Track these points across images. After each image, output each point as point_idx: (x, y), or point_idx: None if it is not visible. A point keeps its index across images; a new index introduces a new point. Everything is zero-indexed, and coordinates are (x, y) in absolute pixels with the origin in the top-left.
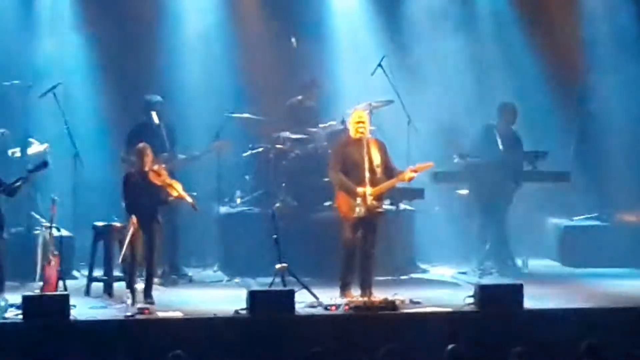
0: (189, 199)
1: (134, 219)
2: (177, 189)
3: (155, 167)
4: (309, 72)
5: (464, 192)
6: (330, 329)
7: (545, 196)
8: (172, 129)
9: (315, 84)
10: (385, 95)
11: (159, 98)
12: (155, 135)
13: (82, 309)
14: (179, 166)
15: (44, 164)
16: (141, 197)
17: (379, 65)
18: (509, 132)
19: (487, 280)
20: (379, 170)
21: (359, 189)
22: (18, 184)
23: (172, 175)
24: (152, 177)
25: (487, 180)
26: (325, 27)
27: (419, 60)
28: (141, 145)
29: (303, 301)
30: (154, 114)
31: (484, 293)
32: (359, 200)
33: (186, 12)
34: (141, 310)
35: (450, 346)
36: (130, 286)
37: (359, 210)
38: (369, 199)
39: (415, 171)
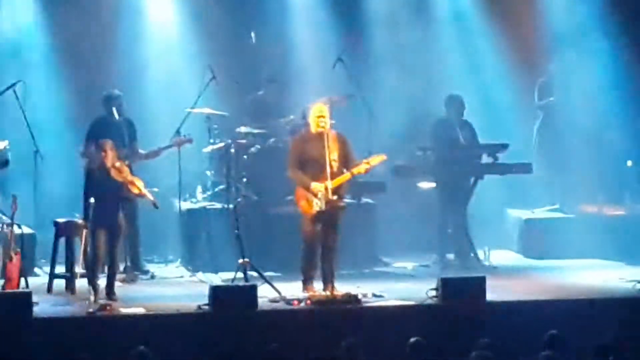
0: (151, 197)
1: (85, 224)
2: (139, 186)
3: (118, 164)
4: (269, 66)
5: (425, 185)
6: (293, 323)
7: (506, 188)
8: (131, 123)
9: (276, 81)
10: (346, 88)
11: (118, 92)
12: (115, 130)
13: (44, 306)
14: (138, 161)
15: (5, 163)
16: (103, 193)
17: (339, 59)
18: (462, 123)
19: (449, 273)
20: (335, 165)
21: (316, 184)
22: None
23: (131, 170)
24: (114, 173)
25: (448, 173)
26: (284, 20)
27: (379, 53)
28: (103, 140)
29: (265, 296)
30: (114, 109)
31: (446, 286)
32: (319, 194)
33: (146, 6)
34: (103, 307)
35: (412, 339)
36: (92, 283)
37: (319, 205)
38: (329, 193)
39: (368, 163)
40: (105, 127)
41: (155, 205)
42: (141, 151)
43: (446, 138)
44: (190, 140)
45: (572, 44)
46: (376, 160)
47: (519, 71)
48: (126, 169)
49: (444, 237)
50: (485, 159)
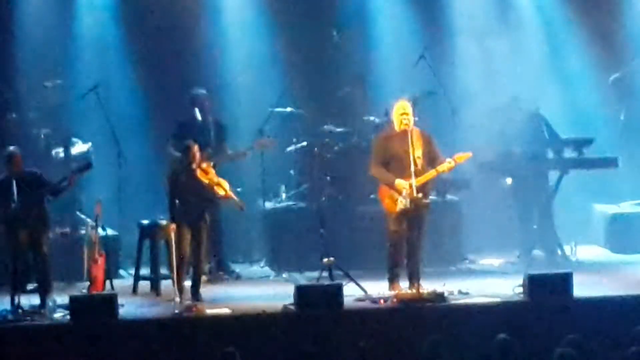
0: (236, 199)
1: (172, 226)
2: (225, 187)
3: (204, 165)
4: (351, 65)
5: (510, 181)
6: (379, 322)
7: (591, 182)
8: (220, 124)
9: (363, 81)
10: (428, 86)
11: (202, 92)
12: (201, 131)
13: (130, 308)
14: (224, 162)
15: (88, 165)
16: (188, 194)
17: (422, 56)
18: (539, 118)
19: (535, 270)
20: (419, 162)
21: (400, 181)
22: (63, 184)
23: (220, 173)
24: (200, 175)
25: (533, 168)
26: (366, 19)
27: (462, 51)
28: (188, 142)
29: (351, 295)
30: (196, 110)
31: (533, 282)
32: (403, 192)
33: (228, 6)
34: (189, 308)
35: (499, 336)
36: (178, 284)
37: (403, 203)
38: (414, 191)
39: (454, 161)
40: (191, 128)
41: (240, 208)
42: (229, 152)
43: (532, 133)
44: (273, 142)
45: None
46: (462, 158)
47: (604, 65)
48: (212, 171)
49: (529, 233)
50: (571, 153)
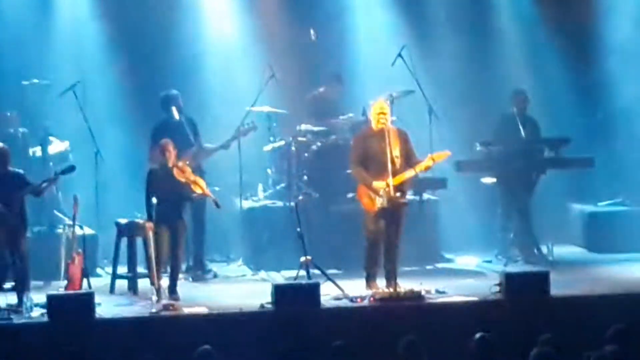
0: (213, 197)
1: (150, 225)
2: (201, 185)
3: (180, 164)
4: (329, 64)
5: (488, 180)
6: (357, 320)
7: (568, 182)
8: (193, 122)
9: (340, 80)
10: (406, 85)
11: (175, 92)
12: (177, 130)
13: (107, 307)
14: (206, 157)
15: (72, 168)
16: (166, 193)
17: (399, 55)
18: (526, 118)
19: (512, 269)
20: (397, 161)
21: (377, 183)
22: (45, 185)
23: (199, 169)
24: (177, 173)
25: (510, 168)
26: (344, 18)
27: (439, 50)
28: (164, 141)
29: (328, 294)
30: (174, 109)
31: (510, 281)
32: (381, 191)
33: (206, 5)
34: (167, 307)
35: (478, 334)
36: (155, 283)
37: (381, 202)
38: (392, 190)
39: (432, 160)
40: (168, 128)
41: (217, 205)
42: (208, 145)
43: (508, 133)
44: (254, 128)
45: (633, 33)
46: (440, 156)
47: (579, 67)
48: (188, 169)
49: (507, 232)
50: (547, 153)
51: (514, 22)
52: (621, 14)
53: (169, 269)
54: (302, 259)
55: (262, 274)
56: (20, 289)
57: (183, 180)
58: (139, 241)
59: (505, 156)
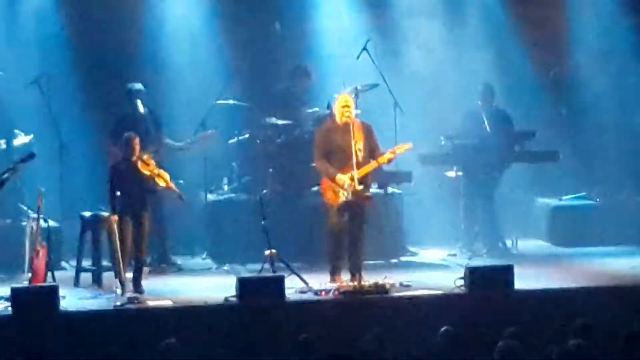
0: (177, 190)
1: (114, 218)
2: (165, 178)
3: (144, 157)
4: (294, 57)
5: (452, 174)
6: (321, 314)
7: (532, 176)
8: (156, 115)
9: (308, 74)
10: (372, 79)
11: (140, 86)
12: (140, 123)
13: (71, 300)
14: (169, 152)
15: (31, 155)
16: (129, 186)
17: (364, 48)
18: (495, 112)
19: (477, 262)
20: (361, 154)
21: (340, 176)
22: (6, 175)
23: (161, 164)
24: (141, 166)
25: (475, 161)
26: (309, 10)
27: (406, 43)
28: (128, 134)
29: (293, 287)
30: (138, 102)
31: (474, 275)
32: (345, 185)
33: None
34: (131, 300)
35: (443, 328)
36: (120, 276)
37: (345, 195)
38: (356, 183)
39: (394, 152)
40: (130, 122)
41: (181, 198)
42: (169, 141)
43: (474, 127)
44: (215, 134)
45: (598, 30)
46: (402, 148)
47: (545, 60)
48: (152, 162)
49: (471, 226)
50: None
51: (482, 15)
52: (588, 7)
53: (133, 262)
54: (267, 252)
55: (227, 267)
56: None
57: (147, 173)
58: (103, 234)
59: (470, 150)
